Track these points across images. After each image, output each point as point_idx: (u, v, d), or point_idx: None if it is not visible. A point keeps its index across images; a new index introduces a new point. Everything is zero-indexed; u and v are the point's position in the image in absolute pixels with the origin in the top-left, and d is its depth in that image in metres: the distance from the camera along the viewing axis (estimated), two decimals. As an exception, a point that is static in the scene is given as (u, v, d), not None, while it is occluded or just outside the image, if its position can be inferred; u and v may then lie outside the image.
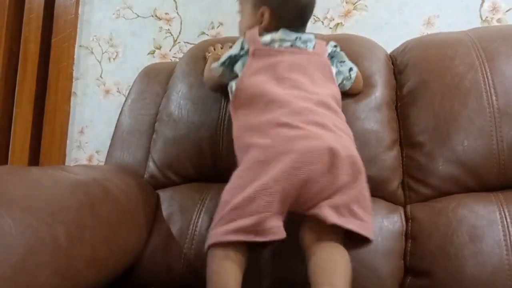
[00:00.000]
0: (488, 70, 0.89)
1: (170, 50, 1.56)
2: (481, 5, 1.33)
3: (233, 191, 0.71)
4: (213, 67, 0.93)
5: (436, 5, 1.35)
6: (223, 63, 0.90)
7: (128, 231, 0.81)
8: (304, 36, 0.88)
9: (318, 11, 1.42)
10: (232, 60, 0.89)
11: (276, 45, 0.86)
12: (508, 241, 0.74)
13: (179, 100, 1.06)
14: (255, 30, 0.88)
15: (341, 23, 1.43)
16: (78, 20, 1.65)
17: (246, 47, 0.87)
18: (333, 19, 1.44)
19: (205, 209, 0.91)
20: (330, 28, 1.44)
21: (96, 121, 1.62)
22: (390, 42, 1.14)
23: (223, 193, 0.74)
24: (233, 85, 0.88)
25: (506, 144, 0.83)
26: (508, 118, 0.84)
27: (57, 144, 1.60)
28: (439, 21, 1.35)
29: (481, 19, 1.33)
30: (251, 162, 0.73)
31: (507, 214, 0.77)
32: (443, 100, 0.89)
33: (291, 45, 0.86)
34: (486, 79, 0.88)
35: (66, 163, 1.62)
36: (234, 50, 0.88)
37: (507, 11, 1.31)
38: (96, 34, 1.64)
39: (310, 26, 1.19)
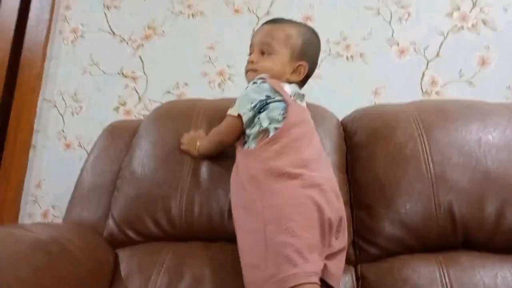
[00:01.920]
0: (426, 140, 0.99)
1: (135, 107, 1.61)
2: (422, 78, 1.49)
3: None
4: (243, 112, 0.91)
5: (383, 76, 1.50)
6: (254, 107, 0.90)
7: (87, 292, 0.80)
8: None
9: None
10: (262, 105, 0.90)
11: (298, 100, 0.95)
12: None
13: (143, 158, 1.09)
14: (278, 81, 0.94)
15: (299, 90, 1.55)
16: (44, 74, 1.67)
17: (275, 95, 0.91)
18: (291, 85, 1.55)
19: (165, 269, 0.93)
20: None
21: (54, 174, 1.61)
22: (342, 109, 1.25)
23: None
24: (270, 128, 0.89)
25: (443, 207, 0.91)
26: (444, 183, 0.93)
27: (12, 198, 1.56)
28: (386, 92, 1.49)
29: (422, 91, 1.48)
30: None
31: (445, 273, 0.85)
32: (387, 166, 0.98)
33: (300, 101, 0.97)
34: (424, 148, 0.98)
35: (20, 218, 1.57)
36: (260, 96, 0.91)
37: (444, 84, 1.48)
38: (60, 88, 1.67)
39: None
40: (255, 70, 0.99)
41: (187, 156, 1.06)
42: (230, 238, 0.99)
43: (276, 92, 0.91)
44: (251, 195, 0.81)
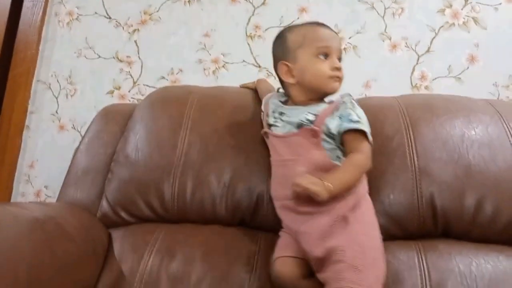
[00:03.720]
0: (411, 134, 1.03)
1: (129, 91, 1.62)
2: (412, 73, 1.52)
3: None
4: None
5: (375, 69, 1.53)
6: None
7: (82, 269, 0.84)
8: None
9: (271, 66, 1.55)
10: None
11: None
12: (424, 283, 0.86)
13: (137, 142, 1.12)
14: None
15: (291, 79, 1.58)
16: (38, 56, 1.68)
17: None
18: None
19: (156, 249, 0.96)
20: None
21: (47, 155, 1.62)
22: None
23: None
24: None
25: (425, 199, 0.96)
26: (427, 176, 0.97)
27: (5, 177, 1.58)
28: (376, 85, 1.53)
29: (412, 85, 1.52)
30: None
31: (423, 259, 0.89)
32: (373, 158, 1.01)
33: None
34: (409, 142, 1.02)
35: (13, 196, 1.59)
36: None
37: (433, 79, 1.51)
38: (55, 70, 1.67)
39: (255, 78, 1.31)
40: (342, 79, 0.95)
41: (180, 141, 1.08)
42: (221, 222, 1.03)
43: None
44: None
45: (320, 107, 0.92)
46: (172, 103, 1.18)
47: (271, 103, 1.03)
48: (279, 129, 0.95)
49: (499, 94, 1.49)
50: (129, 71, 1.64)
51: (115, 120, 1.24)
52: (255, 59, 1.58)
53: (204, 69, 1.60)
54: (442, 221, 0.95)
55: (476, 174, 0.96)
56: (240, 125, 1.09)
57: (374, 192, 0.98)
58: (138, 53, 1.64)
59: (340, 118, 0.89)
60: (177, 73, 1.61)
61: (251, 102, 1.14)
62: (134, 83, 1.63)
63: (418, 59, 1.53)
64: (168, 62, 1.61)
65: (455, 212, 0.94)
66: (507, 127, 1.04)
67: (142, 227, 1.04)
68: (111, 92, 1.63)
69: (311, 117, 0.90)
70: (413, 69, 1.53)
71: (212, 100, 1.16)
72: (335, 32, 0.99)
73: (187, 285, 0.89)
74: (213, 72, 1.59)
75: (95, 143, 1.20)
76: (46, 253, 0.72)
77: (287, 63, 0.95)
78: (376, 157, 1.01)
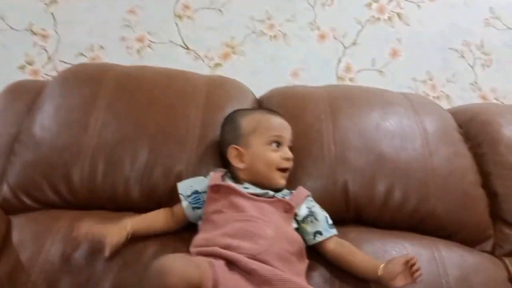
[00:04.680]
0: (330, 123, 1.05)
1: (43, 67, 1.51)
2: (338, 64, 1.56)
3: None
4: None
5: (303, 59, 1.55)
6: None
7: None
8: None
9: (200, 49, 1.51)
10: None
11: None
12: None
13: (44, 121, 1.03)
14: None
15: (220, 64, 1.54)
16: None
17: None
18: (213, 59, 1.54)
19: (60, 238, 0.89)
20: (209, 67, 1.54)
21: None
22: (262, 88, 1.26)
23: None
24: None
25: (339, 185, 0.98)
26: (342, 163, 0.99)
27: None
28: (304, 74, 1.54)
29: (337, 76, 1.55)
30: None
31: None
32: (293, 145, 1.01)
33: None
34: (328, 130, 1.04)
35: None
36: None
37: (357, 72, 1.56)
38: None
39: (191, 62, 1.27)
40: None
41: (93, 121, 1.01)
42: (135, 208, 0.98)
43: None
44: None
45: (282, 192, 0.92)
46: (86, 80, 1.10)
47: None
48: (246, 190, 0.89)
49: (417, 88, 1.56)
50: (44, 46, 1.51)
51: (23, 98, 1.13)
52: (183, 40, 1.52)
53: (128, 48, 1.51)
54: (354, 207, 0.98)
55: (387, 162, 1.00)
56: (159, 105, 1.04)
57: (293, 177, 0.99)
58: (55, 26, 1.52)
59: (314, 216, 0.89)
60: (97, 50, 1.51)
61: (172, 82, 1.10)
62: (49, 58, 1.50)
63: (344, 51, 1.56)
64: (88, 37, 1.51)
65: (367, 198, 0.98)
66: (419, 120, 1.09)
67: (46, 214, 0.96)
68: (23, 67, 1.50)
69: (285, 193, 0.91)
70: (339, 61, 1.56)
71: (130, 80, 1.10)
72: (287, 122, 0.99)
73: (92, 275, 0.84)
74: (138, 51, 1.52)
75: (-2, 122, 1.09)
76: None
77: (238, 147, 0.93)
78: (296, 143, 1.02)
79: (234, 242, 0.79)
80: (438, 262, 0.92)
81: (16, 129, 1.07)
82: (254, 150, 0.92)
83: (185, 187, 0.92)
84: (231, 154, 0.94)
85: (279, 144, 0.93)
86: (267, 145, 0.92)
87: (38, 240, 0.89)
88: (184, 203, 0.90)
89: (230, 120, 0.99)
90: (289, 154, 0.93)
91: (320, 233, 0.87)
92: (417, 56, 1.58)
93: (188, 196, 0.91)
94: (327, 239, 0.87)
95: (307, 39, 1.55)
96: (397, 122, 1.06)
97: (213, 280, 0.70)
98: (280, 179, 0.92)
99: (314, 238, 0.87)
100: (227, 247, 0.78)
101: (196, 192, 0.91)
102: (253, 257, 0.76)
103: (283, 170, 0.93)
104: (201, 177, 0.95)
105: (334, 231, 0.88)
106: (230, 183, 0.90)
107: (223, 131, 1.00)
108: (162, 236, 0.91)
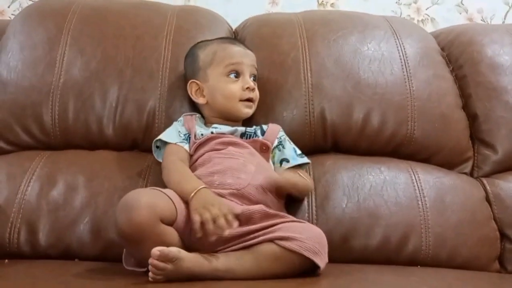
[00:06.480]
0: (307, 50, 1.01)
1: (8, 7, 1.42)
2: (319, -11, 1.48)
3: None
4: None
5: (281, -15, 1.46)
6: None
7: None
8: None
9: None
10: None
11: None
12: (310, 198, 0.89)
13: (9, 61, 0.99)
14: None
15: (194, -7, 1.46)
16: None
17: None
18: (186, -12, 1.46)
19: (36, 177, 0.89)
20: (183, -4, 1.46)
21: None
22: (240, 17, 1.20)
23: None
24: None
25: (316, 114, 0.96)
26: (319, 91, 0.97)
27: None
28: (283, 1, 1.47)
29: (318, 2, 1.48)
30: None
31: (312, 175, 0.91)
32: (269, 75, 0.99)
33: None
34: (304, 58, 1.00)
35: None
36: None
37: (339, -4, 1.48)
38: None
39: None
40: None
41: (59, 59, 0.97)
42: (111, 146, 0.97)
43: None
44: None
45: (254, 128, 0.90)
46: (50, 15, 1.04)
47: (196, 124, 0.90)
48: (216, 130, 0.87)
49: (401, 12, 1.50)
50: (7, -18, 1.41)
51: (-15, 39, 1.08)
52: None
53: (95, -20, 1.42)
54: (332, 134, 0.97)
55: (365, 88, 0.97)
56: (127, 38, 1.00)
57: (269, 109, 0.97)
58: (17, -41, 1.41)
59: (282, 145, 0.89)
60: (64, -15, 1.41)
61: (140, 13, 1.04)
62: (14, -4, 1.41)
63: (325, -26, 1.48)
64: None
65: (344, 126, 0.96)
66: (400, 42, 1.05)
67: (20, 155, 0.95)
68: (-14, 8, 1.41)
69: (258, 132, 0.88)
70: (321, -14, 1.48)
71: (95, 12, 1.04)
72: (250, 49, 0.93)
73: (70, 212, 0.85)
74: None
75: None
76: None
77: (197, 82, 0.90)
78: (272, 73, 0.99)
79: (217, 178, 0.78)
80: (415, 185, 0.93)
81: (-20, 72, 1.02)
82: (212, 83, 0.89)
83: (173, 136, 0.88)
84: (191, 89, 0.91)
85: (238, 73, 0.89)
86: (224, 76, 0.88)
87: (13, 181, 0.89)
88: (186, 146, 0.86)
89: (190, 54, 0.95)
90: (250, 83, 0.88)
91: (286, 160, 0.87)
92: (402, -22, 1.50)
93: (184, 139, 0.87)
94: (294, 167, 0.86)
95: (286, -37, 1.46)
96: (376, 46, 1.03)
97: (187, 213, 0.70)
98: (244, 109, 0.89)
99: (280, 166, 0.87)
100: (210, 183, 0.77)
101: (185, 135, 0.88)
102: (237, 192, 0.77)
103: (247, 100, 0.89)
104: (175, 123, 0.91)
105: (303, 160, 0.88)
106: (206, 132, 0.87)
107: (185, 66, 0.96)
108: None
